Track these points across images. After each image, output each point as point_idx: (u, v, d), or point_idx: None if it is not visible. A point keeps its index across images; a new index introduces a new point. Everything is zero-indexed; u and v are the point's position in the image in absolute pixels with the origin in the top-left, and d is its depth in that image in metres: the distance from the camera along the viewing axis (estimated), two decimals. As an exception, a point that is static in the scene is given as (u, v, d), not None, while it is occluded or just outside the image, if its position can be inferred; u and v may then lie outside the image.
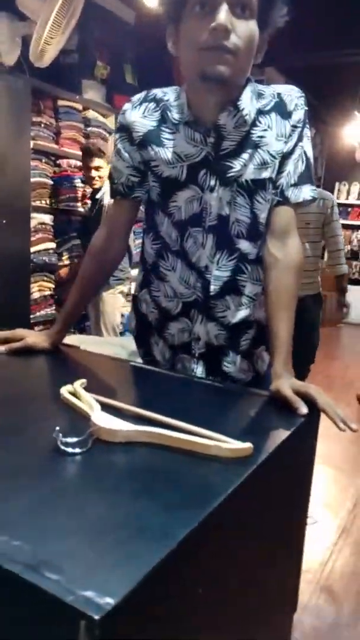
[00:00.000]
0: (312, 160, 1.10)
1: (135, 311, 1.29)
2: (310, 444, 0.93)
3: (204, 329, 1.14)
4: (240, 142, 1.05)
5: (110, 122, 3.79)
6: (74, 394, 0.88)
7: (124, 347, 2.59)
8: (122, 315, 4.08)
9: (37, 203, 3.29)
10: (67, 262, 3.58)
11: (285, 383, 0.94)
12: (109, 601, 0.42)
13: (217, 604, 0.64)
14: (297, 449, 0.87)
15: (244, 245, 1.10)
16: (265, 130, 1.05)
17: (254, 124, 1.05)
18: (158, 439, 0.72)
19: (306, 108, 1.09)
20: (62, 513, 0.55)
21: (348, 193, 7.89)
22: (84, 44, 3.51)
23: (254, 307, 1.14)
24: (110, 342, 3.11)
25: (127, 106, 1.14)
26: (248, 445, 0.70)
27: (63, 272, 3.42)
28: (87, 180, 3.33)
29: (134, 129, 1.11)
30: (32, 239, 3.27)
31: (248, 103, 1.04)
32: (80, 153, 3.54)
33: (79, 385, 0.91)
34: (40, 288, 3.41)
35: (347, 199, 7.87)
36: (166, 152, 1.07)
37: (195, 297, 1.13)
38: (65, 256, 3.57)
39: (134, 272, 2.84)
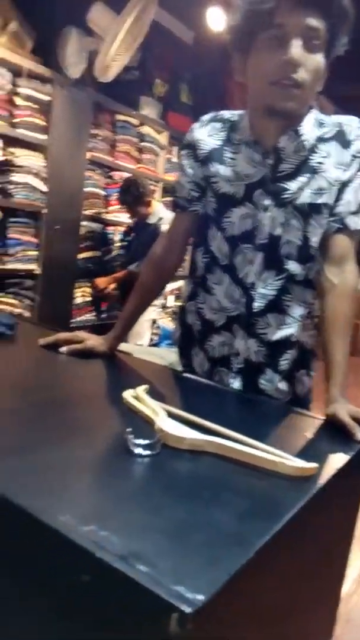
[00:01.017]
0: None
1: (181, 322, 1.32)
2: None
3: (245, 345, 1.16)
4: (298, 166, 1.08)
5: (163, 138, 3.88)
6: (136, 399, 0.91)
7: (163, 357, 2.63)
8: (157, 325, 4.13)
9: (88, 212, 3.38)
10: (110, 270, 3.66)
11: (342, 408, 0.95)
12: (200, 598, 0.44)
13: (273, 614, 0.65)
14: (352, 475, 0.88)
15: (293, 266, 1.11)
16: (324, 157, 1.08)
17: (313, 151, 1.08)
18: (224, 450, 0.74)
19: None
20: (143, 511, 0.57)
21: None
22: (145, 62, 3.63)
23: (298, 329, 1.15)
24: (148, 352, 3.16)
25: (195, 125, 1.20)
26: (314, 465, 0.71)
27: (100, 281, 3.48)
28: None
29: (199, 146, 1.16)
30: (80, 246, 3.36)
31: (309, 129, 1.08)
32: (133, 166, 3.63)
33: (142, 390, 0.94)
34: (83, 294, 3.49)
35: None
36: (227, 170, 1.12)
37: (238, 312, 1.15)
38: (109, 264, 3.64)
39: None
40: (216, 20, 3.29)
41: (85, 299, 3.51)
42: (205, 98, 4.25)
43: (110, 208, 3.57)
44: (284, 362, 1.16)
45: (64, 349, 1.18)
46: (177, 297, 4.51)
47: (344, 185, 1.09)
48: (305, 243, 1.10)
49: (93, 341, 1.22)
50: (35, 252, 3.04)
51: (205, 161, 1.15)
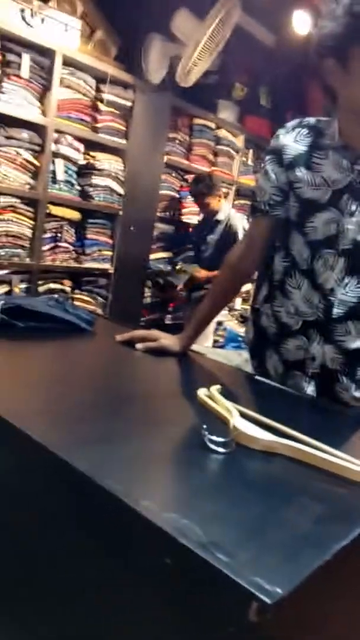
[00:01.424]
0: None
1: (255, 324, 1.32)
2: None
3: (321, 350, 1.15)
4: None
5: (239, 141, 3.89)
6: (210, 398, 0.94)
7: (228, 359, 2.64)
8: (223, 327, 4.14)
9: (162, 214, 3.46)
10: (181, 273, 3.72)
11: None
12: (279, 590, 0.45)
13: (340, 623, 0.65)
14: None
15: None
16: None
17: None
18: (298, 454, 0.75)
19: None
20: (221, 504, 0.60)
21: None
22: (224, 66, 3.65)
23: None
24: (215, 353, 3.18)
25: (280, 131, 1.20)
26: (391, 475, 0.70)
27: (202, 274, 3.53)
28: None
29: (284, 151, 1.16)
30: (153, 247, 3.44)
31: None
32: (208, 169, 3.67)
33: (215, 390, 0.96)
34: (152, 294, 3.57)
35: None
36: (314, 176, 1.12)
37: (316, 317, 1.15)
38: (179, 266, 3.70)
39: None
40: (299, 23, 3.25)
41: (154, 300, 3.59)
42: (285, 101, 4.21)
43: (184, 210, 3.62)
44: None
45: (139, 346, 1.22)
46: (244, 300, 4.50)
47: None
48: None
49: (167, 340, 1.26)
50: (110, 252, 3.15)
51: (290, 166, 1.15)
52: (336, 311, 1.12)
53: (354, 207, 1.08)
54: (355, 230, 1.09)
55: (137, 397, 0.95)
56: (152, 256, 3.48)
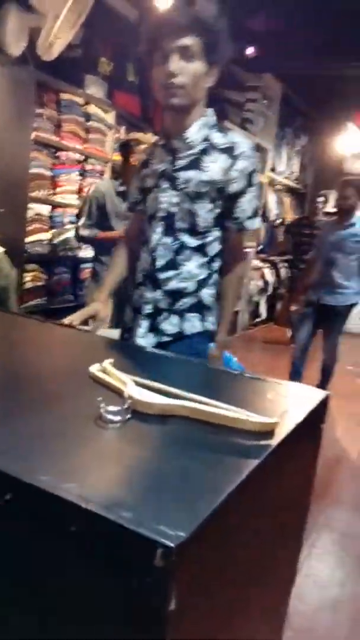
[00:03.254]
0: (259, 199, 1.51)
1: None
2: (319, 427, 1.01)
3: (152, 294, 1.51)
4: (190, 163, 1.44)
5: (110, 118, 3.84)
6: (104, 372, 0.94)
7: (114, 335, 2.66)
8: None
9: (35, 194, 3.31)
10: (61, 254, 3.61)
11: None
12: (181, 534, 0.48)
13: (243, 558, 0.71)
14: (311, 428, 0.95)
15: (184, 237, 1.47)
16: (212, 162, 1.43)
17: (205, 153, 1.43)
18: (192, 412, 0.78)
19: (253, 159, 1.47)
20: (120, 468, 0.61)
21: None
22: (88, 40, 3.55)
23: (194, 284, 1.49)
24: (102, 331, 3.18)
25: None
26: (275, 419, 0.77)
27: None
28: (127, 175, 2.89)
29: (141, 164, 1.61)
30: (28, 229, 3.30)
31: (194, 132, 1.44)
32: (80, 146, 3.57)
33: (107, 363, 0.96)
34: (33, 278, 3.43)
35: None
36: (148, 170, 1.54)
37: (147, 270, 1.51)
38: (59, 247, 3.59)
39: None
40: (159, -3, 3.25)
41: (35, 284, 3.46)
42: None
43: (58, 189, 3.50)
44: (180, 305, 1.50)
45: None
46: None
47: (237, 195, 1.45)
48: (193, 219, 1.45)
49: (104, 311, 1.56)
50: (-18, 236, 2.96)
51: (140, 168, 1.59)
52: (158, 263, 1.49)
53: (165, 186, 1.46)
54: (167, 202, 1.46)
55: (30, 377, 0.93)
56: (29, 238, 3.33)
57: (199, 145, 1.44)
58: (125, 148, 2.98)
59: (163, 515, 0.51)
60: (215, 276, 1.53)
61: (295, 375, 3.74)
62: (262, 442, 0.72)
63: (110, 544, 0.50)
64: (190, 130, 1.44)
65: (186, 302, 1.50)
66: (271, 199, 6.42)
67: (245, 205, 1.47)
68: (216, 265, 1.52)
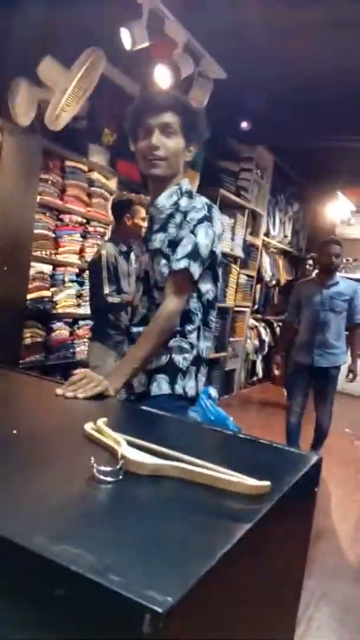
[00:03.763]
0: (201, 245, 1.49)
1: None
2: (313, 490, 1.00)
3: (128, 350, 1.58)
4: (161, 227, 1.56)
5: (112, 184, 4.00)
6: (97, 431, 0.95)
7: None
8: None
9: (38, 253, 3.41)
10: (60, 310, 3.66)
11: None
12: (169, 599, 0.48)
13: (237, 623, 0.69)
14: (303, 491, 0.94)
15: (155, 293, 1.57)
16: (175, 223, 1.54)
17: (172, 216, 1.54)
18: (184, 473, 0.79)
19: (204, 213, 1.52)
20: (111, 529, 0.61)
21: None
22: (93, 112, 3.77)
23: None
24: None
25: None
26: (267, 483, 0.77)
27: None
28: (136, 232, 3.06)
29: None
30: (30, 286, 3.36)
31: (163, 199, 1.57)
32: (83, 210, 3.71)
33: (101, 422, 0.97)
34: (32, 334, 3.46)
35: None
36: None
37: (127, 325, 1.66)
38: (59, 304, 3.65)
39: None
40: (161, 77, 3.50)
41: (34, 340, 3.48)
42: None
43: (61, 249, 3.61)
44: (149, 365, 1.51)
45: (70, 394, 1.23)
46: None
47: (177, 243, 1.51)
48: (159, 275, 1.55)
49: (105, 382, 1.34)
50: (-16, 294, 3.02)
51: None
52: (135, 319, 1.63)
53: (142, 250, 1.63)
54: (144, 263, 1.61)
55: (21, 436, 0.93)
56: (30, 296, 3.39)
57: (168, 210, 1.55)
58: (116, 208, 3.15)
59: (152, 579, 0.51)
60: (191, 336, 1.53)
61: (292, 438, 3.68)
62: (254, 506, 0.72)
63: (99, 607, 0.50)
64: (160, 197, 1.57)
65: (155, 362, 1.51)
66: (266, 261, 6.59)
67: (180, 249, 1.49)
68: (190, 326, 1.53)
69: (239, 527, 0.64)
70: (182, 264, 1.47)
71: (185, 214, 1.52)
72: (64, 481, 0.74)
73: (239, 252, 5.66)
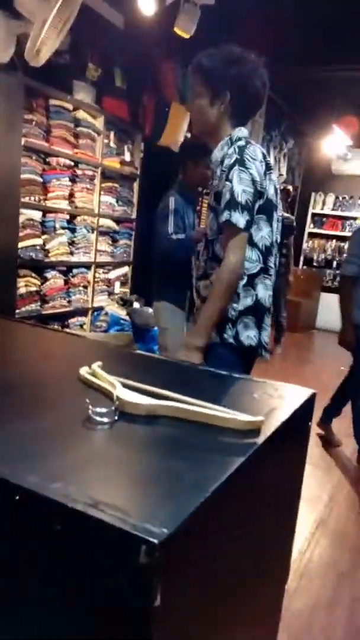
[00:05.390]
0: (236, 191, 1.48)
1: None
2: (307, 425, 1.02)
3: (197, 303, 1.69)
4: (217, 179, 1.57)
5: (99, 123, 3.85)
6: (92, 375, 0.95)
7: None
8: (105, 312, 4.14)
9: (27, 199, 3.31)
10: (52, 259, 3.61)
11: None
12: (165, 530, 0.49)
13: (231, 558, 0.72)
14: (296, 429, 0.96)
15: (211, 247, 1.61)
16: (217, 178, 1.57)
17: (221, 166, 1.54)
18: (179, 412, 0.79)
19: (235, 157, 1.50)
20: (107, 467, 0.62)
21: (323, 203, 8.13)
22: (76, 46, 3.56)
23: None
24: (96, 336, 3.18)
25: None
26: (260, 418, 0.78)
27: None
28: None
29: None
30: (20, 234, 3.29)
31: (215, 152, 1.60)
32: (70, 152, 3.58)
33: (96, 366, 0.97)
34: (26, 284, 3.43)
35: (322, 209, 8.12)
36: None
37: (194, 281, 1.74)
38: (51, 252, 3.59)
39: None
40: (145, 5, 3.27)
41: (29, 289, 3.46)
42: (140, 82, 4.24)
43: (50, 195, 3.51)
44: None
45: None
46: (123, 284, 4.52)
47: (219, 193, 1.52)
48: (210, 230, 1.61)
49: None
50: (-27, 243, 2.96)
51: None
52: (198, 273, 1.70)
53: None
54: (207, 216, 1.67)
55: (17, 382, 0.93)
56: (22, 244, 3.33)
57: (219, 162, 1.56)
58: (183, 156, 2.88)
59: (148, 512, 0.52)
60: (239, 286, 1.52)
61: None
62: (248, 440, 0.73)
63: (95, 542, 0.51)
64: (214, 151, 1.61)
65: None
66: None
67: (222, 200, 1.50)
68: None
69: (232, 461, 0.66)
70: (225, 216, 1.47)
71: (222, 162, 1.53)
72: (60, 423, 0.75)
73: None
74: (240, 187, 1.46)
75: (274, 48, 4.33)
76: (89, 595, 0.53)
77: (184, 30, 3.41)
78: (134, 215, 4.45)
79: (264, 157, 1.54)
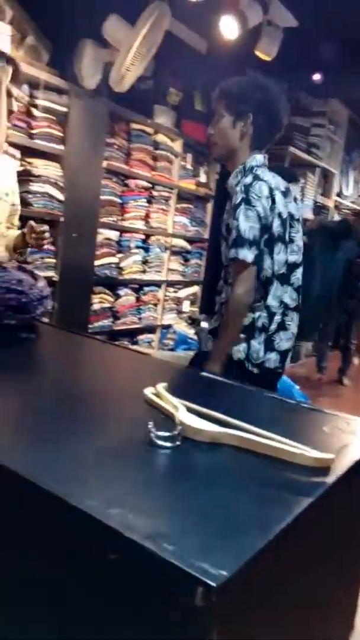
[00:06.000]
0: (242, 229, 1.53)
1: None
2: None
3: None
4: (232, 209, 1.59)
5: (177, 146, 3.93)
6: (156, 396, 0.94)
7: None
8: (173, 331, 4.16)
9: (105, 219, 3.43)
10: (126, 276, 3.69)
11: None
12: (224, 573, 0.46)
13: (294, 599, 0.67)
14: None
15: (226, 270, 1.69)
16: (227, 210, 1.63)
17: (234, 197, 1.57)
18: (244, 442, 0.76)
19: (241, 196, 1.54)
20: (167, 496, 0.60)
21: None
22: (159, 71, 3.68)
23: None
24: (162, 355, 3.19)
25: None
26: (331, 455, 0.73)
27: None
28: None
29: None
30: (97, 253, 3.41)
31: (231, 179, 1.64)
32: (148, 174, 3.68)
33: (161, 387, 0.96)
34: (100, 300, 3.53)
35: None
36: None
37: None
38: (125, 270, 3.68)
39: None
40: (228, 28, 3.32)
41: (102, 306, 3.56)
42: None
43: (127, 215, 3.61)
44: None
45: None
46: (192, 303, 4.54)
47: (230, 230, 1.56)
48: (224, 257, 1.67)
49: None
50: (54, 260, 3.09)
51: None
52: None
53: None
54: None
55: (83, 397, 0.94)
56: (98, 262, 3.44)
57: (234, 191, 1.59)
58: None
59: (206, 550, 0.49)
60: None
61: None
62: (317, 479, 0.68)
63: (151, 575, 0.49)
64: (230, 178, 1.64)
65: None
66: (338, 223, 6.28)
67: (230, 237, 1.57)
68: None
69: (300, 501, 0.61)
70: (232, 253, 1.54)
71: (233, 196, 1.58)
72: (121, 444, 0.74)
73: (308, 215, 5.42)
74: (247, 225, 1.52)
75: (355, 67, 4.26)
76: (142, 627, 0.51)
77: (265, 52, 3.42)
78: (206, 236, 4.48)
79: (271, 191, 1.56)
